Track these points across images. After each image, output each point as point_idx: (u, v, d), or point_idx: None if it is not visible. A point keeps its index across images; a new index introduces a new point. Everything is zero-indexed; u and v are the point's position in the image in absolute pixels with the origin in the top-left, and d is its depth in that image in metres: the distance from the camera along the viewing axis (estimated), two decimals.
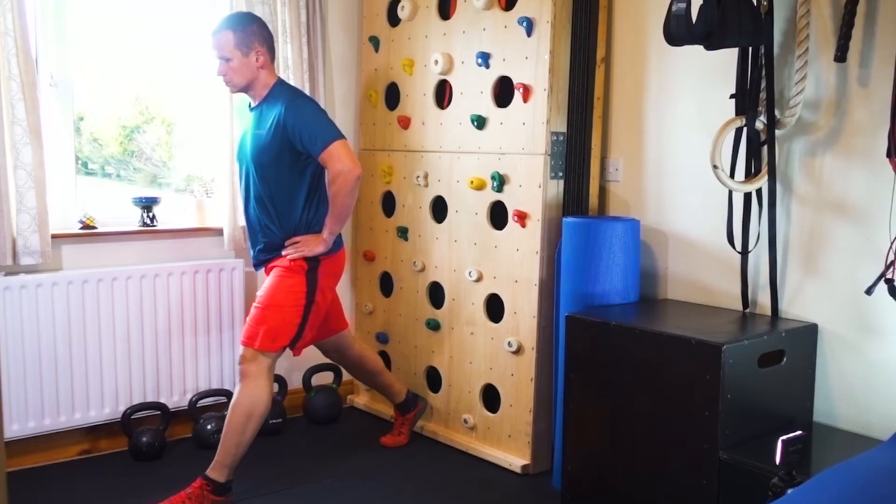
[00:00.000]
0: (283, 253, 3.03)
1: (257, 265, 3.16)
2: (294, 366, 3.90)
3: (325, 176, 3.05)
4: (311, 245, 3.00)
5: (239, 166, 3.16)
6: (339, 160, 2.89)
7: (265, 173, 3.00)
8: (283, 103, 2.95)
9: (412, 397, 3.65)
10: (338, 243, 3.11)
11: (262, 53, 3.00)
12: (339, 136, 2.94)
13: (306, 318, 3.04)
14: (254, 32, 2.99)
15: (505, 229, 3.38)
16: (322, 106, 3.82)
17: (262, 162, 2.99)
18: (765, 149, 2.82)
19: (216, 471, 2.94)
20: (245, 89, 3.04)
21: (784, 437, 1.96)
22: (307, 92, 3.76)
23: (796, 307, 2.85)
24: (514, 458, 3.35)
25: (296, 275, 3.00)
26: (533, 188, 3.25)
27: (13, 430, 3.20)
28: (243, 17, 3.06)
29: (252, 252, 3.17)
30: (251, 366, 2.96)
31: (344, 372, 4.10)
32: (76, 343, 3.31)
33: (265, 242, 3.08)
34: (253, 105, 3.07)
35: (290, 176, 2.99)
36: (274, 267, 3.07)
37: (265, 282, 3.08)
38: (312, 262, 3.03)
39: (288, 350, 3.09)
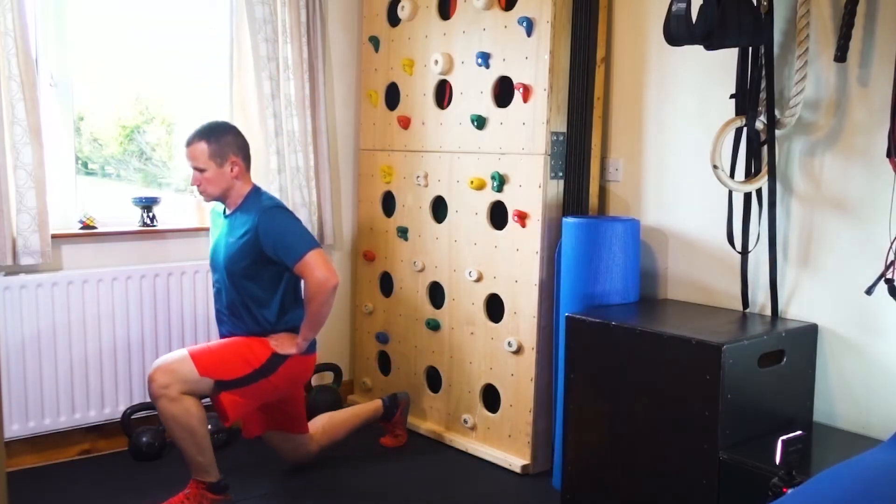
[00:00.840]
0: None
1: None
2: None
3: (301, 283, 3.01)
4: (285, 345, 2.96)
5: (212, 272, 3.14)
6: (315, 270, 2.85)
7: (239, 281, 2.97)
8: (257, 212, 2.92)
9: (389, 403, 3.55)
10: (310, 348, 3.06)
11: (236, 163, 2.96)
12: (313, 245, 2.90)
13: (250, 380, 2.89)
14: (228, 143, 2.95)
15: (505, 229, 3.38)
16: (322, 103, 3.85)
17: (236, 271, 2.96)
18: (765, 149, 2.82)
19: (200, 475, 2.91)
20: (219, 198, 3.01)
21: (784, 437, 1.96)
22: (307, 92, 3.77)
23: (796, 307, 2.85)
24: (514, 458, 3.35)
25: (264, 346, 2.95)
26: (533, 188, 3.25)
27: (13, 430, 3.20)
28: (217, 127, 3.00)
29: (219, 329, 3.13)
30: (158, 385, 2.76)
31: (344, 372, 4.11)
32: (76, 343, 3.31)
33: (233, 330, 3.05)
34: (227, 213, 3.04)
35: (262, 282, 2.97)
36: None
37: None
38: (278, 356, 2.97)
39: (216, 409, 2.92)
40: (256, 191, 3.06)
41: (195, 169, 2.96)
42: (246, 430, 3.14)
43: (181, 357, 2.84)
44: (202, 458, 2.87)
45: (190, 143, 2.95)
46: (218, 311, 3.12)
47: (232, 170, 2.96)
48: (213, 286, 3.14)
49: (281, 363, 2.97)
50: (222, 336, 3.11)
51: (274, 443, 3.21)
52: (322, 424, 3.31)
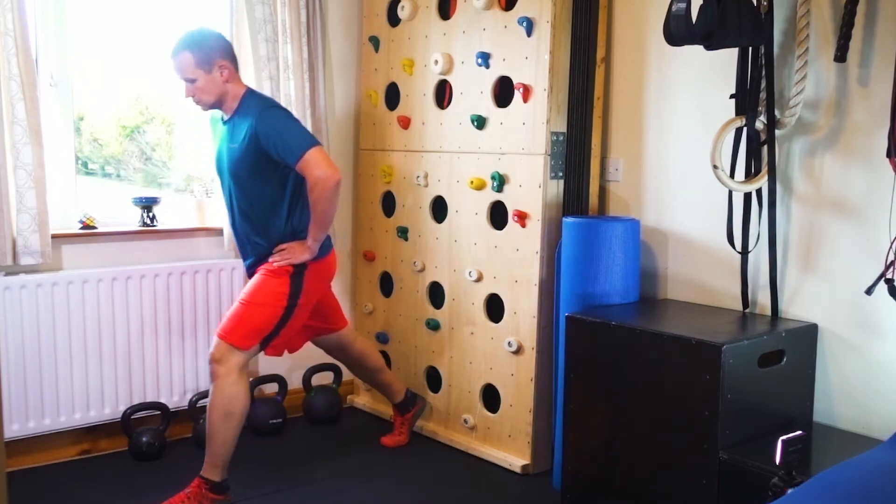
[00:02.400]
0: (270, 260, 2.99)
1: (250, 276, 3.11)
2: (294, 366, 3.90)
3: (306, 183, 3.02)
4: (297, 253, 2.97)
5: (220, 180, 3.13)
6: (316, 167, 2.83)
7: (245, 186, 2.97)
8: (254, 115, 2.90)
9: (410, 396, 3.65)
10: (326, 247, 3.08)
11: (225, 67, 2.94)
12: (314, 143, 2.88)
13: (285, 320, 2.99)
14: (212, 48, 2.92)
15: (505, 229, 3.38)
16: (322, 103, 3.84)
17: (241, 175, 2.96)
18: (765, 149, 2.82)
19: (208, 471, 2.93)
20: (216, 105, 2.99)
21: (784, 437, 1.96)
22: (307, 92, 3.76)
23: (796, 307, 2.85)
24: (514, 458, 3.35)
25: (280, 276, 2.97)
26: (533, 188, 3.25)
27: (13, 430, 3.20)
28: (199, 33, 2.96)
29: (244, 264, 3.14)
30: (221, 366, 2.90)
31: (344, 372, 4.10)
32: (76, 343, 3.31)
33: (255, 256, 3.06)
34: (225, 118, 3.02)
35: (270, 186, 2.96)
36: (260, 268, 3.04)
37: (250, 280, 3.05)
38: (299, 266, 3.00)
39: (264, 352, 3.07)
40: (251, 93, 3.03)
41: (185, 80, 2.93)
42: (290, 349, 3.24)
43: (220, 343, 2.94)
44: (223, 451, 2.93)
45: (175, 54, 2.91)
46: (236, 234, 3.11)
47: (222, 74, 2.93)
48: (224, 197, 3.13)
49: (302, 280, 3.00)
50: (244, 259, 3.12)
51: (321, 344, 3.47)
52: (366, 348, 3.55)
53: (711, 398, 2.49)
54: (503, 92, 3.41)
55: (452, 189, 3.58)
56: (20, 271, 3.20)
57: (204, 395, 3.58)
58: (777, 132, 2.79)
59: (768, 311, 2.90)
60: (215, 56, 2.92)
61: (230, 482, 2.98)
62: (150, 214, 3.56)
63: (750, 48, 2.78)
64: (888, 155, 2.46)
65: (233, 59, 3.00)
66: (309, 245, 2.97)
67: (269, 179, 2.95)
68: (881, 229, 2.59)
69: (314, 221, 2.94)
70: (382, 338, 3.97)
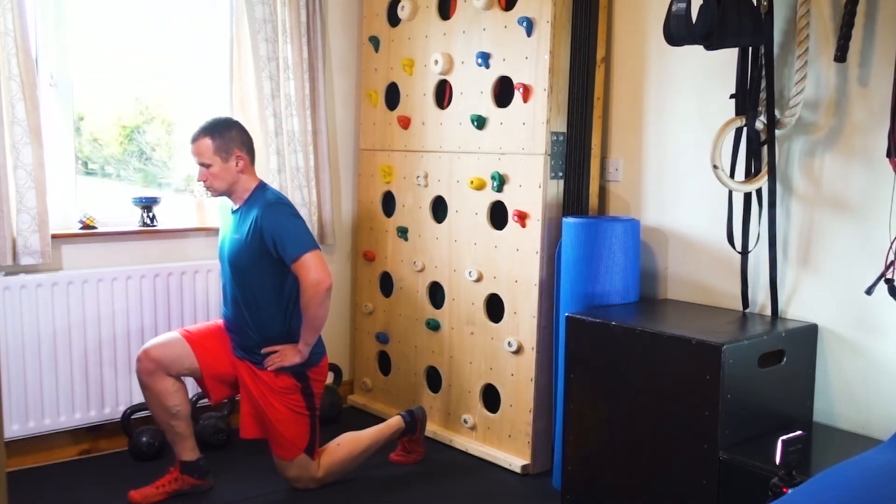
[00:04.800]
0: (265, 365, 2.99)
1: (236, 350, 3.09)
2: None
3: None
4: (288, 356, 2.98)
5: (220, 267, 3.15)
6: (310, 271, 2.87)
7: (243, 278, 2.99)
8: (260, 207, 2.94)
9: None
10: (320, 352, 3.10)
11: (241, 158, 2.99)
12: (312, 246, 2.91)
13: (314, 427, 3.08)
14: (232, 138, 2.98)
15: (505, 229, 3.38)
16: (322, 103, 3.84)
17: (241, 266, 2.98)
18: (765, 149, 2.82)
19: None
20: (226, 193, 3.03)
21: (784, 437, 1.96)
22: (307, 92, 3.76)
23: (796, 307, 2.85)
24: (514, 458, 3.35)
25: (292, 393, 3.02)
26: (533, 188, 3.25)
27: (13, 430, 3.20)
28: (221, 123, 3.03)
29: (231, 342, 3.11)
30: (302, 480, 3.09)
31: (344, 372, 4.11)
32: (76, 343, 3.31)
33: (241, 341, 3.06)
34: (234, 208, 3.05)
35: (268, 281, 2.97)
36: (259, 378, 3.02)
37: (263, 405, 3.03)
38: (302, 380, 3.03)
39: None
40: (262, 186, 3.07)
41: (201, 165, 2.98)
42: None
43: (287, 465, 3.07)
44: (380, 444, 3.24)
45: (195, 139, 2.98)
46: (226, 319, 3.12)
47: (237, 164, 2.99)
48: (222, 284, 3.15)
49: (308, 380, 3.05)
50: (233, 340, 3.09)
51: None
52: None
53: (711, 398, 2.49)
54: (503, 92, 3.41)
55: (452, 189, 3.58)
56: (20, 271, 3.20)
57: (203, 395, 3.57)
58: (777, 132, 2.79)
59: (768, 311, 2.90)
60: (234, 146, 2.98)
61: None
62: (150, 214, 3.56)
63: (750, 48, 2.78)
64: (888, 155, 2.46)
65: (250, 151, 3.05)
66: (300, 349, 2.98)
67: (267, 274, 2.97)
68: (881, 229, 2.59)
69: (305, 324, 2.95)
70: (382, 338, 3.97)
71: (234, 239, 3.00)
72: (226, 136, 2.98)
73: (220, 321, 3.17)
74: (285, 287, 3.00)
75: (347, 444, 3.20)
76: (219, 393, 3.12)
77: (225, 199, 3.12)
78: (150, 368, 2.95)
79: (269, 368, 2.99)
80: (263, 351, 3.01)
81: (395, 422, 3.34)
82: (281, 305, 3.01)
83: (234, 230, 3.02)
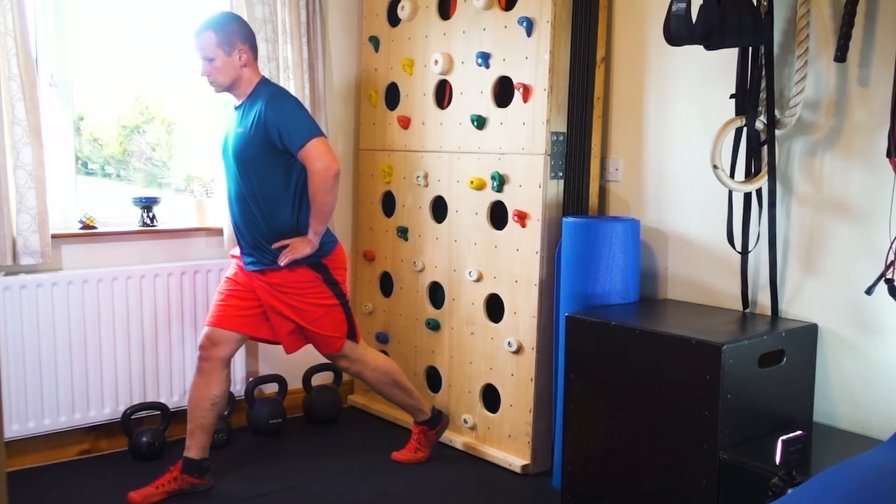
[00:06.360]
0: (279, 262, 2.98)
1: (248, 265, 3.07)
2: (294, 366, 3.90)
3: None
4: (299, 248, 2.98)
5: (224, 165, 3.13)
6: (317, 157, 2.88)
7: (248, 170, 2.98)
8: (264, 100, 2.94)
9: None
10: (332, 241, 3.11)
11: (244, 51, 2.99)
12: (317, 133, 2.92)
13: (348, 311, 3.17)
14: (235, 31, 2.98)
15: (505, 229, 3.38)
16: (322, 103, 3.84)
17: (245, 159, 2.97)
18: (765, 149, 2.82)
19: (418, 415, 3.41)
20: (229, 88, 3.02)
21: (784, 437, 1.96)
22: (307, 92, 3.76)
23: (796, 307, 2.85)
24: (514, 458, 3.35)
25: (316, 286, 3.06)
26: (533, 188, 3.25)
27: (13, 430, 3.20)
28: (224, 16, 3.04)
29: (243, 260, 3.10)
30: (351, 364, 3.25)
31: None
32: (76, 343, 3.31)
33: (251, 239, 3.03)
34: (237, 104, 3.05)
35: (275, 173, 2.97)
36: (278, 283, 3.02)
37: (284, 303, 3.04)
38: (320, 269, 3.05)
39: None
40: (265, 81, 3.07)
41: (204, 59, 2.97)
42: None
43: (334, 357, 3.24)
44: (413, 400, 3.38)
45: (199, 33, 2.97)
46: (234, 222, 3.10)
47: (240, 58, 2.98)
48: (227, 183, 3.12)
49: (327, 269, 3.09)
50: (240, 244, 3.09)
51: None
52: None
53: (711, 398, 2.49)
54: (503, 92, 3.41)
55: (452, 189, 3.58)
56: (20, 271, 3.20)
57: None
58: (777, 132, 2.79)
59: (768, 311, 2.90)
60: (237, 39, 2.97)
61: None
62: (150, 214, 3.56)
63: (750, 48, 2.78)
64: (888, 155, 2.46)
65: (253, 46, 3.04)
66: (310, 238, 2.99)
67: (274, 166, 2.96)
68: (881, 229, 2.59)
69: (314, 212, 2.96)
70: (382, 338, 3.97)
71: (239, 133, 2.98)
72: (228, 29, 2.97)
73: (224, 281, 3.16)
74: (292, 177, 2.99)
75: (386, 366, 3.35)
76: (280, 331, 3.13)
77: (227, 97, 3.10)
78: (213, 355, 3.05)
79: (281, 263, 2.97)
80: (274, 247, 2.99)
81: (425, 404, 3.46)
82: (289, 196, 3.00)
83: (238, 124, 3.00)
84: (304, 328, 3.09)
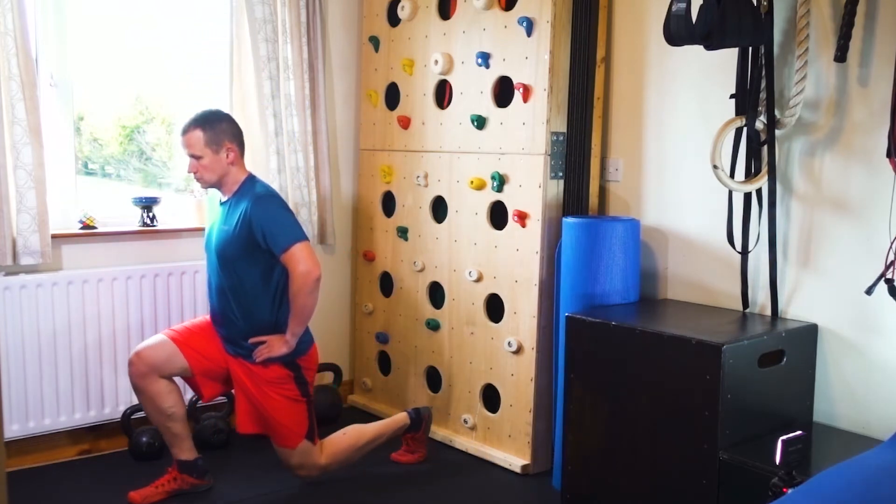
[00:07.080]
0: (254, 357, 2.98)
1: (225, 346, 3.09)
2: None
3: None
4: (276, 347, 2.97)
5: (206, 257, 3.15)
6: (300, 261, 2.88)
7: (230, 267, 2.99)
8: (250, 199, 2.95)
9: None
10: (309, 341, 3.09)
11: (232, 150, 3.00)
12: (301, 237, 2.93)
13: (311, 413, 3.08)
14: (223, 130, 2.99)
15: (505, 229, 3.38)
16: (322, 103, 3.84)
17: (227, 256, 2.98)
18: (765, 149, 2.82)
19: (398, 431, 3.32)
20: (216, 185, 3.04)
21: (784, 437, 1.96)
22: (307, 92, 3.77)
23: (796, 307, 2.85)
24: (514, 458, 3.35)
25: (286, 384, 3.02)
26: (533, 188, 3.25)
27: (13, 430, 3.20)
28: (212, 115, 3.04)
29: (218, 331, 3.11)
30: (305, 469, 3.08)
31: (344, 372, 4.10)
32: (76, 343, 3.31)
33: (226, 333, 3.05)
34: (223, 200, 3.06)
35: (255, 272, 2.97)
36: (252, 377, 3.01)
37: (258, 396, 3.02)
38: (293, 368, 3.03)
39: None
40: (251, 179, 3.08)
41: (191, 156, 2.99)
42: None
43: (289, 452, 3.06)
44: (386, 435, 3.28)
45: (186, 130, 2.99)
46: (213, 311, 3.12)
47: (227, 156, 2.99)
48: (207, 274, 3.13)
49: (300, 369, 3.05)
50: (221, 335, 3.08)
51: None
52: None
53: (711, 398, 2.49)
54: (503, 92, 3.41)
55: (452, 189, 3.58)
56: (20, 271, 3.20)
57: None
58: (777, 132, 2.79)
59: (768, 311, 2.90)
60: (225, 138, 2.99)
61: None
62: (150, 214, 3.56)
63: (750, 48, 2.78)
64: (888, 155, 2.46)
65: (240, 144, 3.06)
66: (287, 339, 2.97)
67: (256, 265, 2.97)
68: (881, 229, 2.59)
69: (293, 315, 2.95)
70: (382, 338, 3.97)
71: (223, 230, 3.00)
72: (216, 128, 2.99)
73: (207, 317, 3.17)
74: (273, 276, 3.00)
75: (352, 434, 3.21)
76: (210, 390, 3.12)
77: (214, 190, 3.12)
78: (142, 371, 2.95)
79: (257, 360, 2.98)
80: (251, 342, 3.00)
81: (400, 417, 3.36)
82: (269, 294, 3.01)
83: (222, 221, 3.02)
84: (265, 415, 3.03)
